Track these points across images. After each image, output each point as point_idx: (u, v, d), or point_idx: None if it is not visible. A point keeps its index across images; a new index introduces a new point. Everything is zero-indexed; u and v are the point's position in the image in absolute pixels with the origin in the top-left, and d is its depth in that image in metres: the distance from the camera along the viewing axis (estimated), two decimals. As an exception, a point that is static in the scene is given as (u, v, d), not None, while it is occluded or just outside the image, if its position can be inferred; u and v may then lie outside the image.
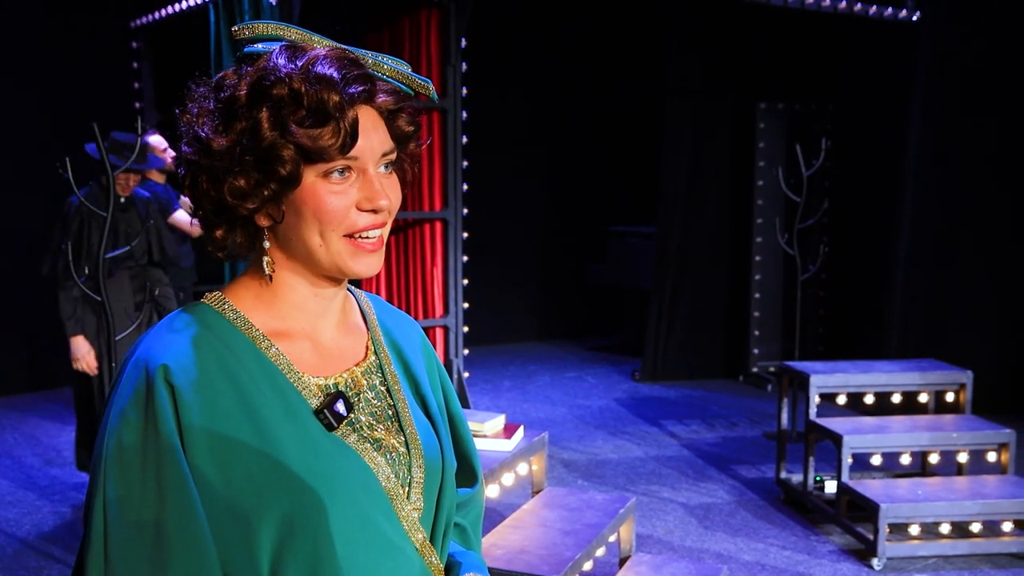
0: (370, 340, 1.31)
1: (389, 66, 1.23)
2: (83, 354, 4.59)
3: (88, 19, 7.17)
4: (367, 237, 1.19)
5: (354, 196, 1.17)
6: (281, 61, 1.15)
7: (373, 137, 1.18)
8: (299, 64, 1.14)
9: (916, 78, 6.65)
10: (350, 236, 1.18)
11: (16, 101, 6.93)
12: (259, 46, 1.19)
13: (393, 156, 1.22)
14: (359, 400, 1.24)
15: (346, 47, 1.21)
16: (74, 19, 7.15)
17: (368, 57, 1.22)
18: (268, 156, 1.13)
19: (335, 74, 1.14)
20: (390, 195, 1.19)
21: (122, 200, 4.69)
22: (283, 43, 1.19)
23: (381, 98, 1.19)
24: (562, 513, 3.56)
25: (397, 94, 1.22)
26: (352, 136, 1.14)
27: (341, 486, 1.16)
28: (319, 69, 1.13)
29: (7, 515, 4.80)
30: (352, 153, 1.15)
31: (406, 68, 1.24)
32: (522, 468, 3.72)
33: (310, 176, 1.15)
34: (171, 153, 5.43)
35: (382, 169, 1.20)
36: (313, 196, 1.15)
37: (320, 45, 1.20)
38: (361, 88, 1.16)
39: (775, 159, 7.50)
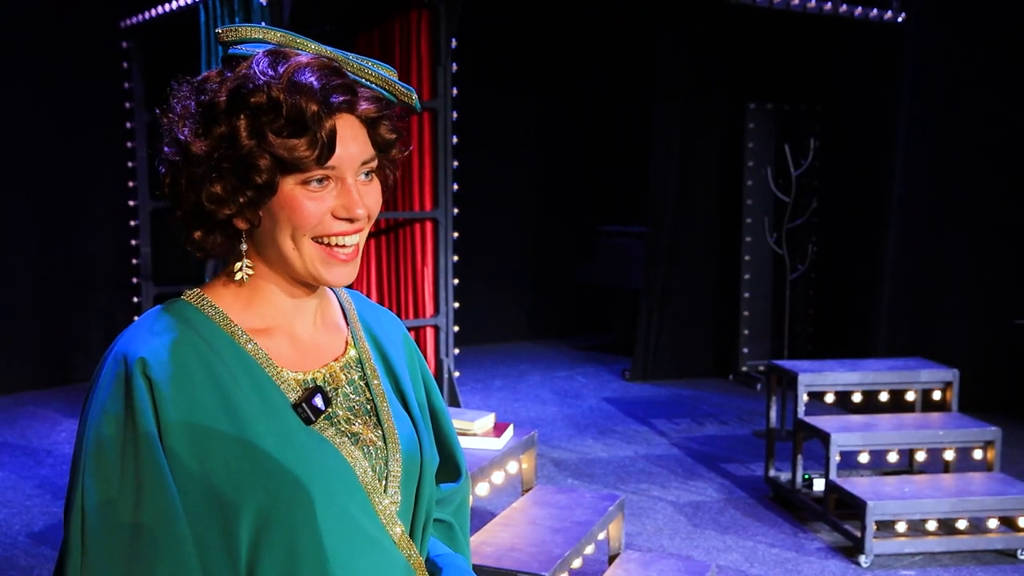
0: (350, 336, 1.32)
1: (374, 72, 1.21)
2: None
3: (78, 19, 7.15)
4: (341, 245, 1.19)
5: (331, 204, 1.17)
6: (262, 68, 1.14)
7: (352, 147, 1.17)
8: (280, 72, 1.13)
9: (903, 78, 6.68)
10: (323, 242, 1.18)
11: (5, 100, 6.92)
12: (243, 48, 1.18)
13: (374, 164, 1.21)
14: (337, 395, 1.25)
15: (331, 49, 1.20)
16: (64, 19, 7.14)
17: (352, 61, 1.20)
18: (245, 164, 1.13)
19: (315, 83, 1.13)
20: (368, 203, 1.19)
21: None
22: (267, 48, 1.18)
23: (363, 106, 1.18)
24: (552, 511, 3.58)
25: (379, 101, 1.21)
26: (329, 147, 1.13)
27: (318, 479, 1.17)
28: (299, 78, 1.12)
29: (-3, 515, 4.80)
30: (330, 163, 1.15)
31: (390, 74, 1.23)
32: (512, 467, 3.73)
33: (288, 184, 1.15)
34: None
35: (362, 177, 1.20)
36: (290, 202, 1.15)
37: (305, 49, 1.19)
38: (342, 98, 1.15)
39: (764, 159, 7.53)
